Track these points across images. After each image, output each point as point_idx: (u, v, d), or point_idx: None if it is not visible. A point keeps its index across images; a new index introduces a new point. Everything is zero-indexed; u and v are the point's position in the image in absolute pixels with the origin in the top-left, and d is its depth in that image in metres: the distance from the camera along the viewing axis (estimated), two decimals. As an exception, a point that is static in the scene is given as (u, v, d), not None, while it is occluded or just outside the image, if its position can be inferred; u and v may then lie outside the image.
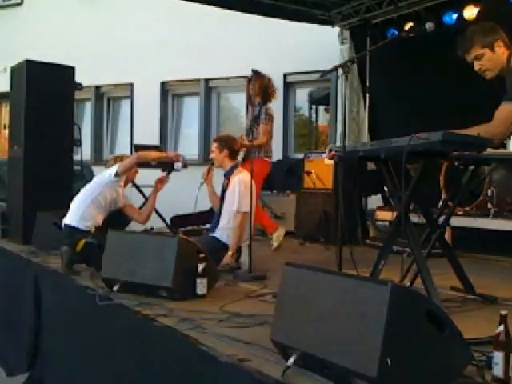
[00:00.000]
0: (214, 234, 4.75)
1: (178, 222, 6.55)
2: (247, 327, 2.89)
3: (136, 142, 9.42)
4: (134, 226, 5.54)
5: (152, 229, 6.14)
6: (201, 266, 3.54)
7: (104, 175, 4.75)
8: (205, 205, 6.31)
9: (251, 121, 5.66)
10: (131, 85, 11.19)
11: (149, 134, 10.49)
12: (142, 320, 3.08)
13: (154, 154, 5.34)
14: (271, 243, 5.71)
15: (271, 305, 2.73)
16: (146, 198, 5.50)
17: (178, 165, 5.18)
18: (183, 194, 5.71)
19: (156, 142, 10.34)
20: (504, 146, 5.16)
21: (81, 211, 4.59)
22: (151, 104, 10.92)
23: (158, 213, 6.05)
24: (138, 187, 6.09)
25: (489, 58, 3.09)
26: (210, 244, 4.41)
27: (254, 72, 5.69)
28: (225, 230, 4.69)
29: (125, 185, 4.91)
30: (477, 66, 3.15)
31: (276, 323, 2.43)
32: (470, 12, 6.44)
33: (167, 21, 10.23)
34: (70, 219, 4.62)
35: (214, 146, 4.84)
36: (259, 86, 5.61)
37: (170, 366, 2.80)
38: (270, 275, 4.23)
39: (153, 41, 10.42)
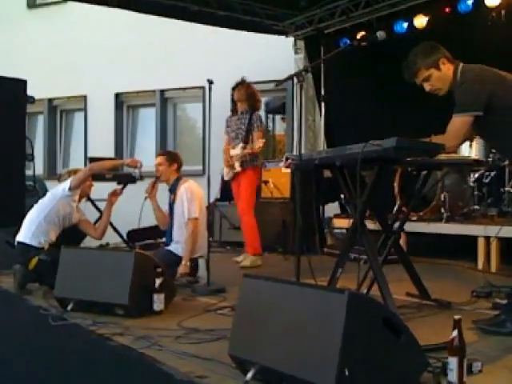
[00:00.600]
0: (170, 248, 4.69)
1: (135, 236, 6.45)
2: (205, 342, 2.86)
3: (90, 154, 9.27)
4: (90, 242, 5.43)
5: (108, 244, 6.02)
6: (158, 281, 3.48)
7: (57, 190, 4.64)
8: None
9: (246, 129, 5.61)
10: (84, 97, 11.01)
11: (104, 146, 10.32)
12: (97, 339, 3.00)
13: (108, 163, 5.24)
14: (242, 259, 5.62)
15: (230, 318, 2.70)
16: (101, 213, 5.39)
17: (136, 172, 5.07)
18: (140, 207, 5.64)
19: (111, 154, 10.19)
20: (455, 151, 5.30)
21: (33, 228, 4.46)
22: (106, 116, 10.77)
23: (113, 227, 5.95)
24: (92, 201, 5.96)
25: (436, 78, 3.16)
26: (165, 258, 4.35)
27: (242, 80, 5.73)
28: (180, 244, 4.64)
29: (79, 199, 4.80)
30: (427, 87, 3.22)
31: (234, 337, 2.40)
32: (420, 21, 6.60)
33: (121, 32, 10.13)
34: (22, 236, 4.49)
35: (161, 159, 4.79)
36: (246, 93, 5.63)
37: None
38: (228, 288, 4.19)
39: (106, 52, 10.29)
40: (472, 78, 3.03)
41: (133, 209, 5.50)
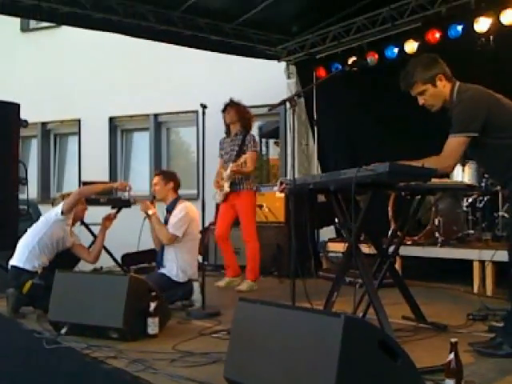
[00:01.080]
0: (162, 271, 4.65)
1: (129, 260, 6.41)
2: (201, 366, 2.84)
3: (84, 179, 9.25)
4: (84, 266, 5.40)
5: (101, 268, 6.00)
6: (152, 305, 3.47)
7: (50, 214, 4.63)
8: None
9: (237, 150, 5.57)
10: (78, 121, 11.04)
11: (98, 170, 10.31)
12: (91, 363, 2.98)
13: (97, 187, 5.21)
14: (223, 284, 5.59)
15: (225, 342, 2.69)
16: (95, 237, 5.37)
17: (125, 195, 5.06)
18: (134, 230, 5.62)
19: (106, 178, 10.18)
20: (448, 176, 5.34)
21: (27, 252, 4.44)
22: (100, 140, 10.78)
23: (107, 251, 5.93)
24: (86, 225, 5.95)
25: (431, 94, 3.15)
26: (158, 281, 4.32)
27: (230, 100, 5.71)
28: (173, 263, 4.60)
29: (73, 223, 4.79)
30: (421, 100, 3.23)
31: (229, 360, 2.39)
32: (411, 46, 6.69)
33: (114, 56, 10.20)
34: (16, 260, 4.47)
35: (157, 179, 4.80)
36: (237, 113, 5.60)
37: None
38: (223, 311, 4.18)
39: (100, 76, 10.35)
40: (468, 98, 3.04)
41: (127, 233, 5.50)
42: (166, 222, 4.70)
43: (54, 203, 4.92)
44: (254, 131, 10.15)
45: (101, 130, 10.81)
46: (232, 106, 5.66)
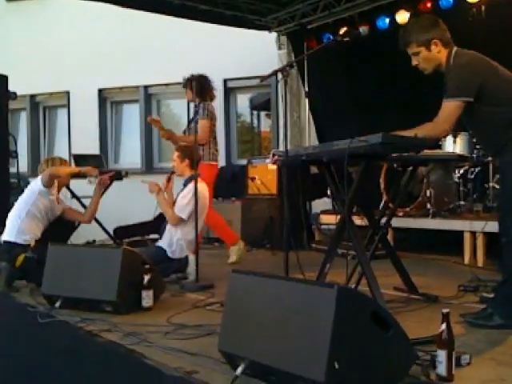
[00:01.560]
0: (161, 244, 4.66)
1: (122, 233, 6.39)
2: (194, 338, 2.86)
3: (75, 151, 9.18)
4: (76, 239, 5.39)
5: (94, 241, 5.99)
6: (146, 278, 3.48)
7: (34, 185, 4.58)
8: (149, 215, 6.21)
9: (190, 120, 5.48)
10: (67, 93, 10.89)
11: (88, 143, 10.20)
12: (85, 336, 2.99)
13: (66, 170, 5.08)
14: (230, 256, 5.50)
15: (219, 314, 2.70)
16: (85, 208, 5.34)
17: (91, 180, 5.01)
18: (126, 204, 5.62)
19: (96, 151, 10.11)
20: (440, 147, 5.34)
21: (17, 225, 4.42)
22: (89, 112, 10.65)
23: (100, 224, 5.91)
24: (78, 199, 5.93)
25: (424, 57, 3.11)
26: (154, 255, 4.33)
27: (184, 81, 5.57)
28: (173, 239, 4.59)
29: (59, 190, 4.75)
30: (414, 61, 3.19)
31: (224, 332, 2.40)
32: (402, 16, 6.63)
33: (103, 27, 10.03)
34: (7, 235, 4.45)
35: (175, 155, 4.82)
36: (194, 85, 5.29)
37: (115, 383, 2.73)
38: (217, 284, 4.19)
39: (89, 47, 10.18)
40: (465, 63, 3.00)
41: (119, 206, 5.51)
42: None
43: (39, 170, 4.84)
44: (245, 103, 10.17)
45: (90, 103, 10.69)
46: (189, 81, 5.47)
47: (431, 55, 3.09)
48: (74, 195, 5.75)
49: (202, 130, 5.22)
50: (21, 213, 4.45)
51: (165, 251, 4.55)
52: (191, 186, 4.56)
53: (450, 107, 2.96)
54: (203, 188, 4.72)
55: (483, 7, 5.95)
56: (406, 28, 3.20)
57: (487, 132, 3.12)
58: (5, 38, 10.81)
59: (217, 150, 5.57)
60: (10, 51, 10.46)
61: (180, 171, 4.81)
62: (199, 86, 5.32)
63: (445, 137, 3.20)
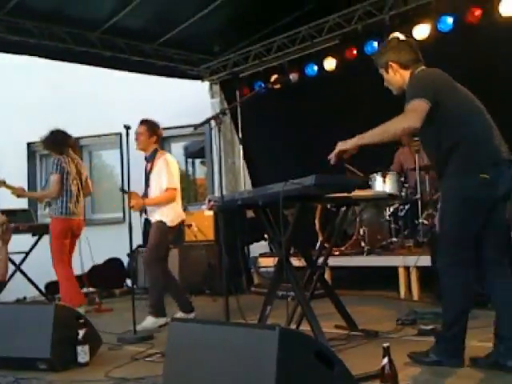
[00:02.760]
0: (151, 218, 4.80)
1: (54, 288, 6.16)
2: (136, 392, 2.76)
3: (3, 206, 8.85)
4: (5, 297, 5.14)
5: (25, 298, 5.74)
6: (81, 333, 3.35)
7: None
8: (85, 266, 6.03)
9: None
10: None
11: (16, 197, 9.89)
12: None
13: None
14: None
15: (160, 365, 2.63)
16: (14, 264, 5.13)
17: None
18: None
19: (25, 205, 9.79)
20: (370, 187, 5.51)
21: None
22: (18, 166, 10.37)
23: (30, 280, 5.71)
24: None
25: (386, 79, 3.14)
26: (157, 231, 4.60)
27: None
28: (158, 208, 4.72)
29: None
30: (385, 82, 3.18)
31: (166, 382, 2.34)
32: (330, 63, 6.89)
33: (32, 79, 9.88)
34: None
35: (142, 128, 4.82)
36: (46, 144, 5.47)
37: None
38: (156, 334, 4.08)
39: (16, 100, 9.99)
40: (421, 75, 2.97)
41: (49, 260, 5.32)
42: (148, 173, 4.83)
43: None
44: (179, 151, 10.18)
45: (19, 156, 10.42)
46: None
47: (390, 77, 3.10)
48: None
49: (52, 185, 5.23)
50: None
51: (163, 223, 4.72)
52: (162, 160, 4.75)
53: (416, 103, 2.80)
54: (173, 159, 4.91)
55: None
56: (380, 46, 3.26)
57: (433, 150, 2.99)
58: None
59: (72, 203, 5.31)
60: None
61: (144, 145, 4.82)
62: (49, 142, 5.42)
63: (414, 131, 2.96)
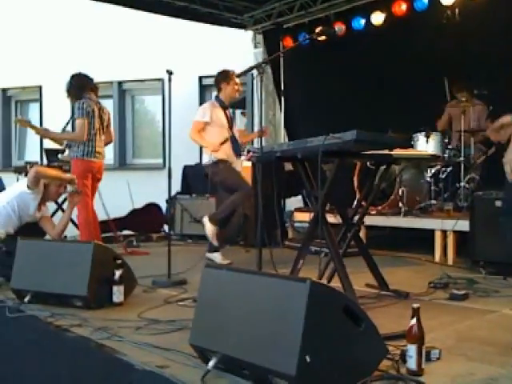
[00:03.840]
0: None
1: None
2: (166, 333, 2.83)
3: (47, 146, 9.05)
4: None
5: (66, 237, 5.90)
6: (117, 273, 3.44)
7: (19, 185, 4.60)
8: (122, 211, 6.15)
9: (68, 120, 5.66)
10: (40, 87, 10.75)
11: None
12: (55, 331, 2.94)
13: (52, 174, 5.00)
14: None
15: (191, 309, 2.68)
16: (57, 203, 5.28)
17: (68, 190, 4.97)
18: (98, 200, 5.55)
19: (69, 146, 9.98)
20: (412, 146, 5.41)
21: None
22: (61, 106, 10.52)
23: (71, 220, 5.84)
24: (58, 204, 5.88)
25: None
26: None
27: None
28: None
29: (44, 202, 4.69)
30: None
31: (195, 327, 2.39)
32: (377, 18, 6.68)
33: (77, 20, 9.91)
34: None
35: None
36: (66, 88, 5.41)
37: (84, 379, 2.69)
38: (190, 280, 4.17)
39: (61, 39, 10.05)
40: None
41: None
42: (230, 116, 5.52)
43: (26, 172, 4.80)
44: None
45: (62, 97, 10.54)
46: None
47: None
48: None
49: (79, 129, 5.20)
50: None
51: None
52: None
53: None
54: None
55: (457, 9, 6.04)
56: None
57: None
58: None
59: (96, 147, 5.32)
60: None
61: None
62: (69, 87, 5.38)
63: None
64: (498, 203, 4.34)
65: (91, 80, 5.49)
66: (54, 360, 2.90)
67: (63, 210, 5.54)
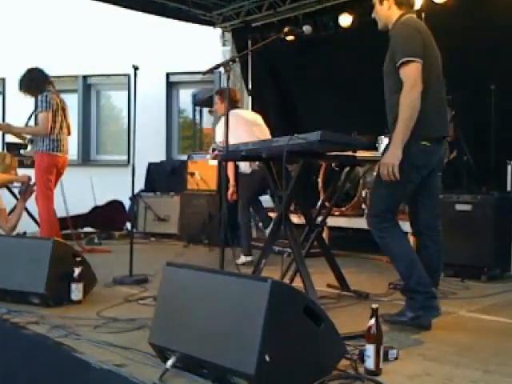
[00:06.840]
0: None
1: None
2: (125, 332, 2.80)
3: (8, 140, 8.86)
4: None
5: (25, 233, 5.78)
6: (77, 271, 3.38)
7: None
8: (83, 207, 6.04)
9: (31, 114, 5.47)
10: (3, 80, 10.51)
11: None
12: (11, 328, 2.88)
13: (2, 178, 4.87)
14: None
15: (151, 308, 2.66)
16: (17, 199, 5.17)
17: (22, 188, 4.86)
18: (59, 196, 5.46)
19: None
20: (376, 149, 5.47)
21: None
22: (26, 100, 10.31)
23: (31, 216, 5.74)
24: (10, 189, 5.73)
25: (376, 10, 3.10)
26: None
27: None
28: None
29: None
30: (373, 12, 3.16)
31: (155, 326, 2.37)
32: (345, 19, 6.72)
33: (43, 13, 9.73)
34: None
35: (216, 98, 5.41)
36: (24, 83, 5.27)
37: (41, 377, 2.63)
38: (151, 278, 4.13)
39: (27, 32, 9.84)
40: (412, 26, 2.94)
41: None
42: None
43: None
44: (188, 99, 10.08)
45: (26, 91, 10.33)
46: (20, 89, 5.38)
47: (382, 9, 3.07)
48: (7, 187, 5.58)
49: (42, 122, 5.07)
50: None
51: None
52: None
53: (414, 68, 2.81)
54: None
55: (423, 14, 6.12)
56: None
57: (388, 105, 3.03)
58: None
59: (61, 140, 5.19)
60: None
61: (221, 111, 5.28)
62: (29, 82, 5.24)
63: None
64: (459, 206, 4.43)
65: (47, 74, 5.37)
66: (9, 358, 2.84)
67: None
